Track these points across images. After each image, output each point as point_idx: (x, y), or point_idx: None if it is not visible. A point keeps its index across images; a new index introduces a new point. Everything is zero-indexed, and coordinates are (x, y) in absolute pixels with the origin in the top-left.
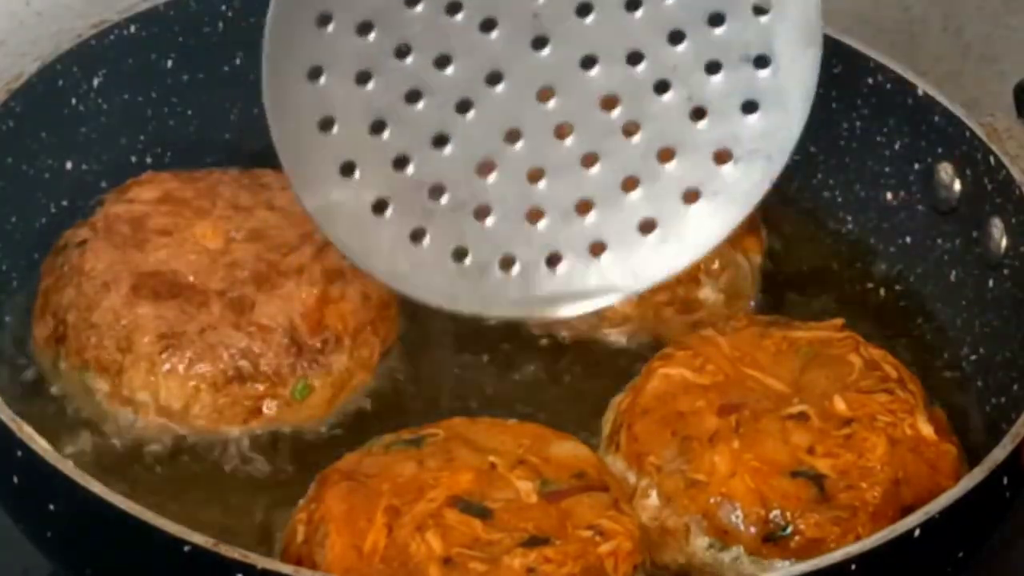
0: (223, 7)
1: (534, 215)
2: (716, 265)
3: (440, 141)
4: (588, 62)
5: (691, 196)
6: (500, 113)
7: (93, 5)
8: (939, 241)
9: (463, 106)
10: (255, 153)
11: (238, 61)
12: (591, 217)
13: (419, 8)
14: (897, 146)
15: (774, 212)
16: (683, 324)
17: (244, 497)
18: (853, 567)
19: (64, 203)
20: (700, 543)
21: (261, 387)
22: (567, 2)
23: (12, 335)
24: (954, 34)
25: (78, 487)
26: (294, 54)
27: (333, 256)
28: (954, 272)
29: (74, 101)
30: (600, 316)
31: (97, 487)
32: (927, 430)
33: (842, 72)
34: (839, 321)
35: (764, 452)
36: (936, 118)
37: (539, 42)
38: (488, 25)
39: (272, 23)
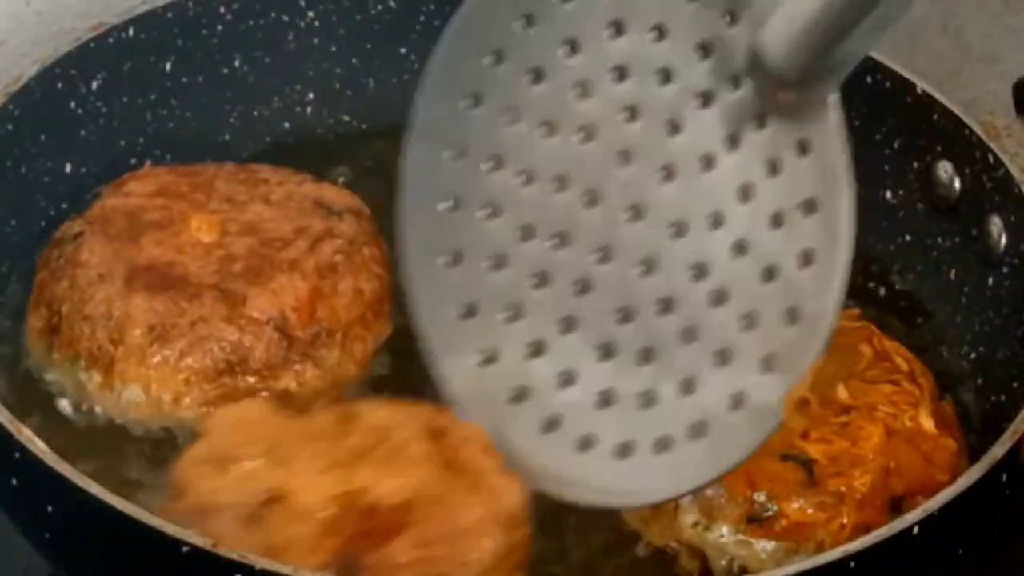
0: (222, 10)
1: (644, 400)
2: None
3: (568, 326)
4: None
5: (768, 363)
6: (615, 295)
7: (93, 4)
8: (938, 239)
9: (583, 287)
10: (254, 155)
11: (237, 63)
12: (693, 397)
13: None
14: (896, 145)
15: None
16: None
17: None
18: (852, 565)
19: (63, 205)
20: (687, 520)
21: (252, 380)
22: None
23: (12, 335)
24: (954, 34)
25: (77, 488)
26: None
27: (326, 251)
28: (953, 270)
29: (73, 104)
30: None
31: (95, 488)
32: (928, 423)
33: None
34: (856, 311)
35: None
36: (935, 116)
37: (636, 212)
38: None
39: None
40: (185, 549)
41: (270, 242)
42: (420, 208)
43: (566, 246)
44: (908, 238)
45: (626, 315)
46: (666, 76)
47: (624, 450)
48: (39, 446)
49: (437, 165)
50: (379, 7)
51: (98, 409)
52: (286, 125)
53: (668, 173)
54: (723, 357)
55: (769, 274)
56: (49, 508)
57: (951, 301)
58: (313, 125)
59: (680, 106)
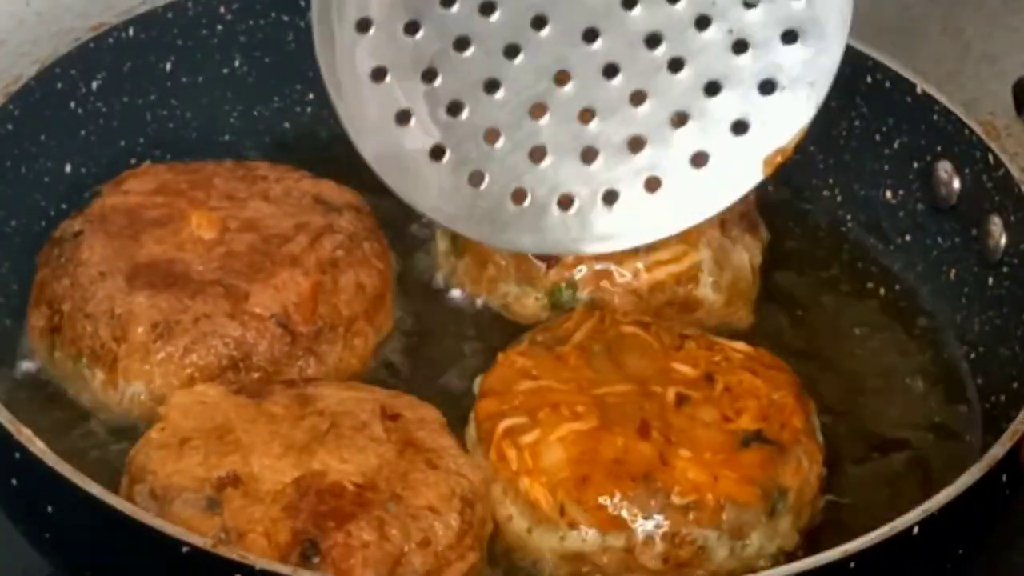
0: (221, 10)
1: (589, 155)
2: (716, 265)
3: (492, 86)
4: (629, 3)
5: (740, 127)
6: (547, 56)
7: (93, 4)
8: (939, 239)
9: (511, 51)
10: (254, 155)
11: (237, 63)
12: (644, 154)
13: None
14: (896, 145)
15: (774, 211)
16: (683, 323)
17: None
18: (852, 565)
19: (63, 206)
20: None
21: (256, 375)
22: None
23: (12, 336)
24: (954, 34)
25: (76, 488)
26: (342, 9)
27: (327, 246)
28: (953, 270)
29: (73, 104)
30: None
31: (95, 488)
32: (738, 345)
33: (842, 71)
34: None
35: (703, 441)
36: (935, 116)
37: None
38: None
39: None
40: (185, 549)
41: (271, 238)
42: None
43: (494, 12)
44: (908, 238)
45: (561, 79)
46: None
47: (567, 201)
48: (39, 446)
49: None
50: None
51: (101, 407)
52: (286, 125)
53: None
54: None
55: (741, 46)
56: (49, 508)
57: (951, 301)
58: (313, 125)
59: None
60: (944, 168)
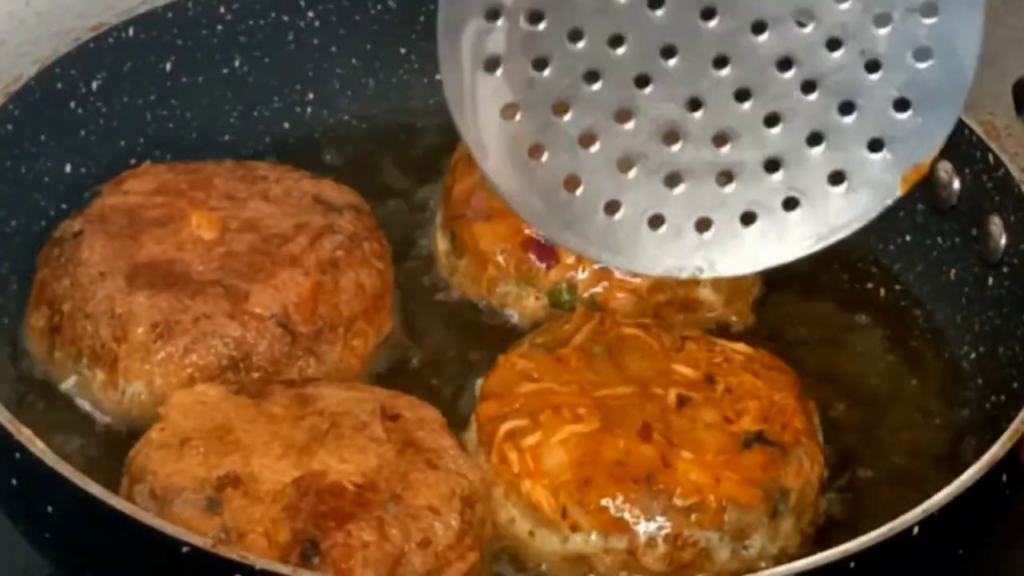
0: (221, 9)
1: (724, 178)
2: None
3: (623, 116)
4: (758, 28)
5: (876, 145)
6: (678, 84)
7: (93, 5)
8: (938, 239)
9: (641, 81)
10: (254, 155)
11: (237, 63)
12: (780, 175)
13: None
14: None
15: None
16: (683, 323)
17: None
18: (852, 565)
19: (63, 206)
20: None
21: (256, 375)
22: None
23: (12, 336)
24: None
25: (76, 489)
26: (470, 50)
27: (327, 246)
28: (953, 270)
29: (73, 104)
30: None
31: (95, 488)
32: (738, 347)
33: None
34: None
35: (704, 443)
36: None
37: (707, 13)
38: (655, 2)
39: (443, 26)
40: (185, 549)
41: (271, 238)
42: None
43: (621, 46)
44: (908, 238)
45: (694, 105)
46: None
47: (702, 224)
48: (39, 446)
49: None
50: (379, 7)
51: (101, 407)
52: (286, 125)
53: None
54: (817, 138)
55: (874, 65)
56: (49, 508)
57: (951, 301)
58: (313, 125)
59: None
60: (944, 168)
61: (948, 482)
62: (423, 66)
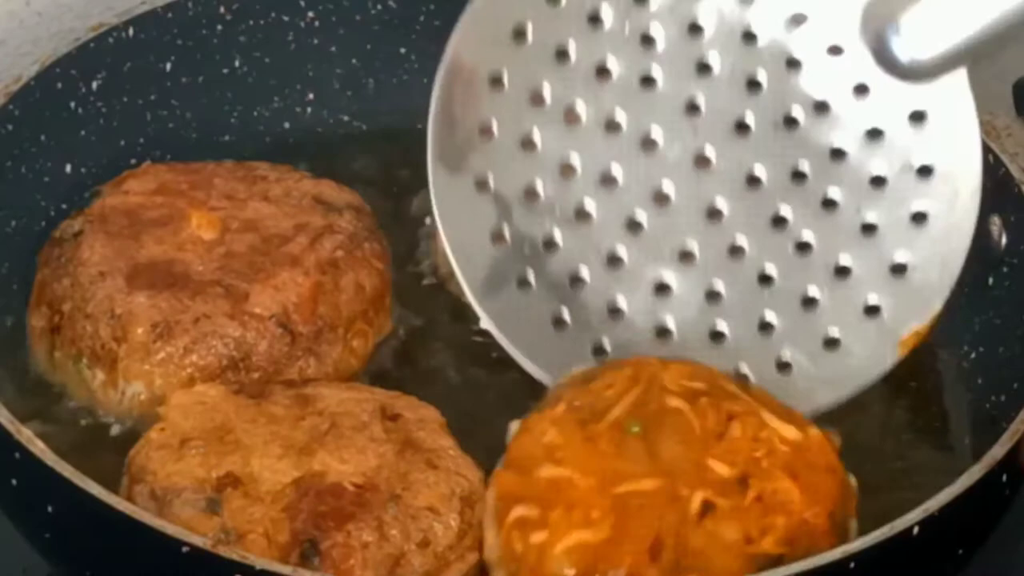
0: (221, 10)
1: (715, 336)
2: None
3: (613, 261)
4: (753, 181)
5: (872, 311)
6: (670, 233)
7: (93, 5)
8: None
9: (633, 227)
10: (254, 155)
11: (237, 63)
12: (773, 337)
13: (581, 129)
14: None
15: None
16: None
17: None
18: (852, 565)
19: (63, 206)
20: None
21: (256, 375)
22: (724, 121)
23: (12, 335)
24: None
25: (76, 489)
26: (461, 173)
27: (327, 246)
28: None
29: (73, 104)
30: None
31: (95, 488)
32: (788, 431)
33: None
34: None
35: (715, 568)
36: None
37: (702, 161)
38: (649, 144)
39: (432, 163)
40: (185, 549)
41: (271, 239)
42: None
43: (615, 186)
44: None
45: (686, 257)
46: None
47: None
48: (39, 446)
49: (472, 95)
50: (379, 7)
51: (101, 407)
52: (286, 125)
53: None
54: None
55: (869, 229)
56: (49, 508)
57: (951, 301)
58: (313, 125)
59: None
60: None
61: (948, 482)
62: (423, 66)
